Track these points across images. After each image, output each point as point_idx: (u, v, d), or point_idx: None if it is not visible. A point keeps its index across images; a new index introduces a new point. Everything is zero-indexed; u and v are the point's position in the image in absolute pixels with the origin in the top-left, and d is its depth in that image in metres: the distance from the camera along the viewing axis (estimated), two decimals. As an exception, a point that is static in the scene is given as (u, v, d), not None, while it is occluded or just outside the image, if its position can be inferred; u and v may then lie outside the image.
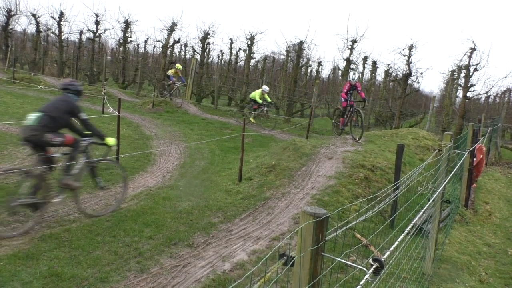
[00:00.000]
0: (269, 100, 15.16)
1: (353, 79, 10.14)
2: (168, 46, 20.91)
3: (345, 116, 10.35)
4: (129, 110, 14.53)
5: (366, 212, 2.39)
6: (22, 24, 36.53)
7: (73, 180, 4.86)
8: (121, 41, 22.99)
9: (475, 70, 15.94)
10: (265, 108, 15.06)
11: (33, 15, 23.39)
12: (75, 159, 4.85)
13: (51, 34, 25.57)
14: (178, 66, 16.85)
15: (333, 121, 12.61)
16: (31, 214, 4.50)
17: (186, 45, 27.21)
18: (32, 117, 4.64)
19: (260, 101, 14.86)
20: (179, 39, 21.27)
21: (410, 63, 17.17)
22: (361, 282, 1.64)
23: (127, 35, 22.58)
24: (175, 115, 14.60)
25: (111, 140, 5.17)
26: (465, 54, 16.08)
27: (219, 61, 31.55)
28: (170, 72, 16.78)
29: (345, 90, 10.18)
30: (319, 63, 26.24)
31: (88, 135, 5.02)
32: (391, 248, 2.05)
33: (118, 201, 5.55)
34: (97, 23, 22.76)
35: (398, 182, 3.39)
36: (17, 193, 4.40)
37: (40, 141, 4.52)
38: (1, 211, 4.34)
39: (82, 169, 4.99)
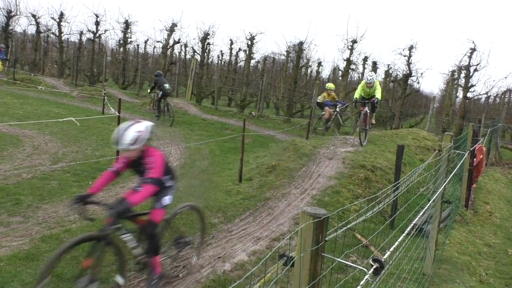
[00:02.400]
0: (377, 95, 9.47)
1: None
2: (168, 47, 20.94)
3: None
4: (129, 111, 14.53)
5: (366, 212, 2.39)
6: (22, 25, 36.61)
7: None
8: (121, 41, 23.03)
9: (475, 70, 15.97)
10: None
11: (33, 15, 23.44)
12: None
13: (51, 35, 25.62)
14: (330, 85, 12.24)
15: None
16: None
17: (186, 46, 27.26)
18: (167, 85, 12.40)
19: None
20: (179, 39, 21.31)
21: (410, 63, 17.19)
22: (361, 283, 1.64)
23: (127, 35, 22.62)
24: (175, 116, 14.60)
25: None
26: (465, 55, 16.12)
27: (219, 61, 31.59)
28: (321, 98, 12.08)
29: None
30: (319, 64, 26.29)
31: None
32: (391, 249, 2.05)
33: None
34: (97, 23, 22.80)
35: (398, 183, 3.39)
36: None
37: (171, 93, 13.37)
38: None
39: None
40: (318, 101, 12.27)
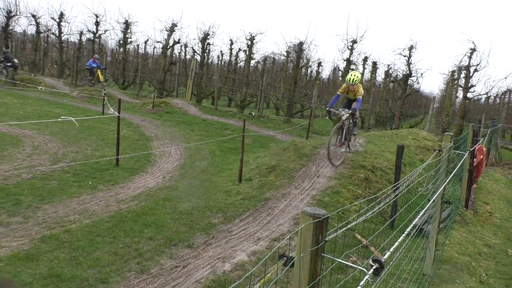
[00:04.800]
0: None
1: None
2: (168, 47, 20.93)
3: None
4: (129, 111, 14.54)
5: (366, 212, 2.39)
6: (22, 25, 36.61)
7: None
8: (121, 41, 23.02)
9: (475, 70, 15.96)
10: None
11: (33, 16, 23.42)
12: None
13: (51, 35, 25.62)
14: (349, 76, 7.75)
15: None
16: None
17: (186, 46, 27.27)
18: (16, 60, 18.62)
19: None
20: (179, 39, 21.30)
21: (410, 63, 17.19)
22: (361, 283, 1.64)
23: (127, 35, 22.61)
24: (175, 116, 14.61)
25: None
26: (465, 55, 16.10)
27: (219, 61, 31.61)
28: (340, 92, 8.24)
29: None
30: (319, 64, 26.34)
31: None
32: (391, 249, 2.05)
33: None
34: (97, 24, 22.80)
35: (398, 183, 3.39)
36: None
37: (18, 65, 18.56)
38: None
39: None
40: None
